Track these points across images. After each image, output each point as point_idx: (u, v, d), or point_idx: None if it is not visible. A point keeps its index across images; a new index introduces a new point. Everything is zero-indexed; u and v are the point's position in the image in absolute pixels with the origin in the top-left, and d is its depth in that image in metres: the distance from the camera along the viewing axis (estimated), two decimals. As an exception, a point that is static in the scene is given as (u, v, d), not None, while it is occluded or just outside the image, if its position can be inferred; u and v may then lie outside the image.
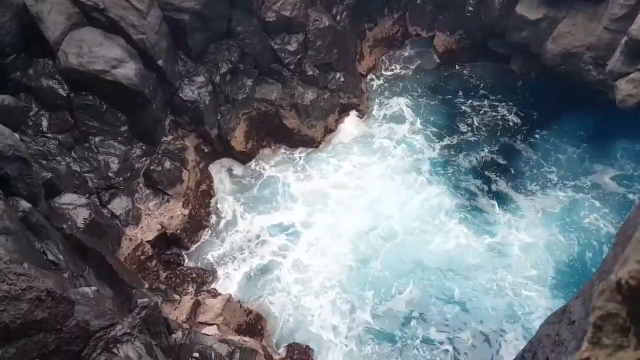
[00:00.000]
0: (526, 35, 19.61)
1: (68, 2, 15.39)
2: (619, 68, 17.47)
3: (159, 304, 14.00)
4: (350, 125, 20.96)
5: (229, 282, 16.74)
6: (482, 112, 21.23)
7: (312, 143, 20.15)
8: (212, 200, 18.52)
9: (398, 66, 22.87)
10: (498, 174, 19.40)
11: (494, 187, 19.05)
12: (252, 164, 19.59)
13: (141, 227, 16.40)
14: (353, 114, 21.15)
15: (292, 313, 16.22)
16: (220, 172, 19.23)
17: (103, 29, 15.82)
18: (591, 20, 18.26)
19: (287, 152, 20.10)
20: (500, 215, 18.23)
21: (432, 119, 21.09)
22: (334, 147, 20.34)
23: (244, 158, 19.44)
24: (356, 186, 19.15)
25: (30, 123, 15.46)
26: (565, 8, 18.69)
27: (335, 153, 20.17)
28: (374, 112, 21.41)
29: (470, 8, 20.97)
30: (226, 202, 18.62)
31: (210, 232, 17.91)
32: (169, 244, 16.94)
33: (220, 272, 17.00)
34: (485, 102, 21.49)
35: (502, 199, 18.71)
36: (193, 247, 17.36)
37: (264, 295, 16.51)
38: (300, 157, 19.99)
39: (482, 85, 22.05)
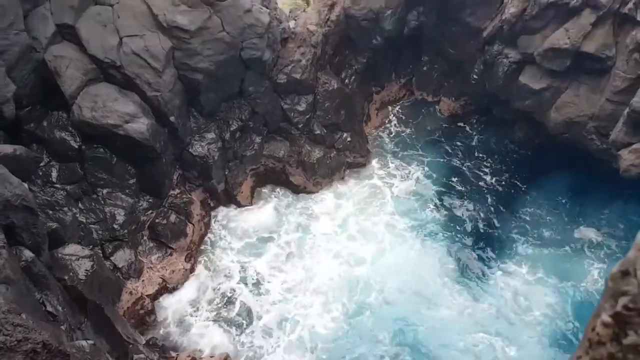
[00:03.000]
0: (530, 103, 20.05)
1: (86, 59, 15.98)
2: (622, 138, 17.72)
3: (155, 361, 13.71)
4: (352, 181, 21.11)
5: (228, 337, 16.36)
6: (484, 175, 21.38)
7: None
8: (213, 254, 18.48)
9: (402, 123, 23.20)
10: (497, 238, 19.29)
11: (492, 251, 18.89)
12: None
13: (142, 280, 16.31)
14: (355, 170, 21.36)
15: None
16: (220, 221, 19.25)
17: (118, 85, 16.33)
18: (594, 92, 18.70)
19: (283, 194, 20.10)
20: (498, 279, 18.02)
21: (433, 178, 21.19)
22: (333, 200, 20.33)
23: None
24: (351, 243, 18.98)
25: (41, 173, 15.72)
26: (568, 79, 19.19)
27: (332, 205, 20.10)
28: (374, 170, 21.56)
29: (475, 76, 21.57)
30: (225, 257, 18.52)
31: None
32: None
33: (216, 330, 16.62)
34: (487, 165, 21.67)
35: (500, 263, 18.53)
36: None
37: (264, 354, 16.13)
38: (293, 203, 19.87)
39: (485, 148, 22.30)
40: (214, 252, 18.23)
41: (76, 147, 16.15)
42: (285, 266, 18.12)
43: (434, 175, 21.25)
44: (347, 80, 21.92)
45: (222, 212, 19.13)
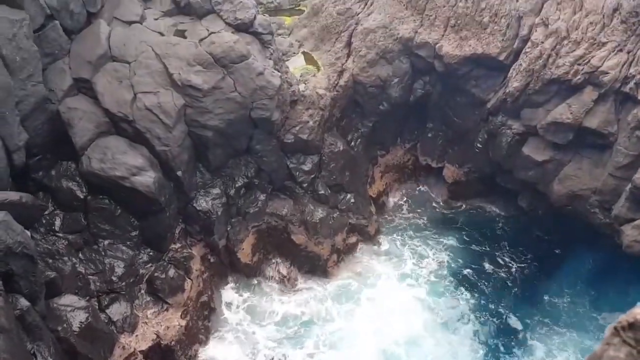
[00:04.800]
0: (533, 174, 20.24)
1: (99, 112, 16.39)
2: (625, 214, 17.77)
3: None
4: (359, 255, 21.02)
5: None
6: (486, 254, 21.33)
7: (318, 260, 20.17)
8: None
9: (408, 203, 23.45)
10: (502, 322, 18.98)
11: (494, 337, 18.53)
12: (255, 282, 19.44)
13: (136, 335, 16.02)
14: (362, 244, 21.36)
15: None
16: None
17: (129, 139, 16.65)
18: (596, 166, 18.91)
19: (294, 280, 19.92)
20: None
21: (436, 259, 21.16)
22: (344, 281, 20.16)
23: (248, 271, 19.41)
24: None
25: (44, 221, 15.80)
26: (571, 152, 19.45)
27: (344, 289, 19.95)
28: (381, 246, 21.61)
29: (479, 145, 21.90)
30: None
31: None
32: (162, 356, 16.40)
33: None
34: (490, 244, 21.68)
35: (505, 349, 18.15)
36: (186, 362, 16.77)
37: None
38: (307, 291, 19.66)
39: (489, 225, 22.36)
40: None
41: (82, 197, 16.30)
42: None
43: (436, 259, 21.21)
44: (353, 143, 22.30)
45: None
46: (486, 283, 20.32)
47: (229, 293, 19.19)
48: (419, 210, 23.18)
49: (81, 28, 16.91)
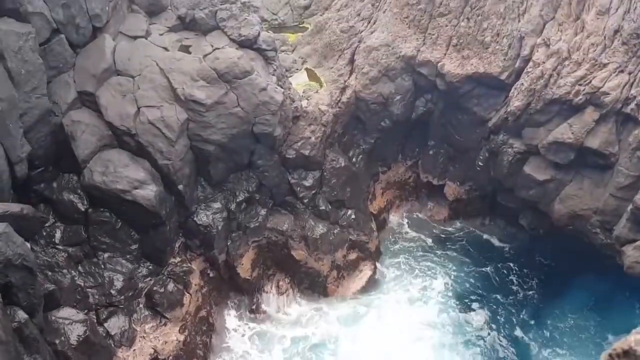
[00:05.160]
0: (534, 193, 20.22)
1: (102, 125, 16.49)
2: (626, 234, 17.72)
3: None
4: (362, 277, 20.95)
5: None
6: (490, 276, 21.25)
7: (318, 277, 20.11)
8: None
9: (410, 223, 23.50)
10: (507, 346, 18.89)
11: None
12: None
13: (134, 349, 15.94)
14: (364, 262, 21.29)
15: None
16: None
17: (131, 152, 16.73)
18: (597, 186, 18.90)
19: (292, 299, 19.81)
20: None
21: (441, 280, 21.13)
22: (347, 302, 20.06)
23: (247, 286, 19.34)
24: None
25: (44, 233, 15.82)
26: (573, 172, 19.45)
27: (349, 310, 19.87)
28: (384, 265, 21.57)
29: (480, 163, 21.93)
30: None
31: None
32: (159, 371, 16.31)
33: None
34: (493, 265, 21.61)
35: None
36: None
37: None
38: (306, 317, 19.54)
39: (491, 247, 22.33)
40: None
41: (83, 209, 16.33)
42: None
43: (439, 281, 21.20)
44: (354, 159, 22.35)
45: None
46: (490, 307, 20.21)
47: (232, 320, 19.12)
48: (420, 231, 23.18)
49: (86, 42, 17.08)
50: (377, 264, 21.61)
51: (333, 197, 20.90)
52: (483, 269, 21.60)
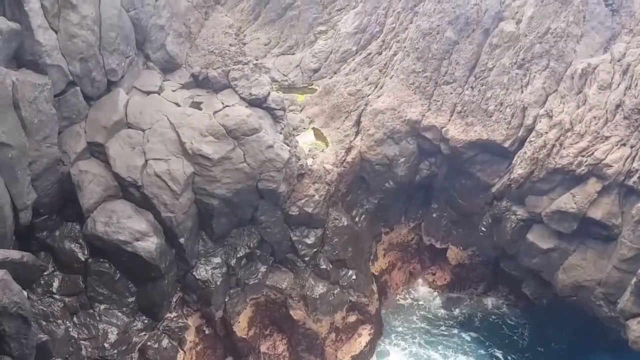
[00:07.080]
0: (537, 262, 20.06)
1: (109, 176, 16.66)
2: (630, 308, 17.44)
3: None
4: (361, 341, 20.60)
5: None
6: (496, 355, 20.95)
7: (315, 339, 19.70)
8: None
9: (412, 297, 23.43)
10: None
11: None
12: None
13: (123, 407, 15.46)
14: (363, 329, 20.99)
15: None
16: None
17: (135, 203, 16.83)
18: (601, 257, 18.76)
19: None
20: None
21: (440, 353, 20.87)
22: None
23: (243, 345, 18.92)
24: None
25: (42, 282, 15.71)
26: (576, 242, 19.36)
27: None
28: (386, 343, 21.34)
29: (483, 228, 21.91)
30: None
31: None
32: None
33: None
34: (500, 345, 21.36)
35: None
36: None
37: None
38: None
39: (492, 319, 22.09)
40: None
41: (83, 259, 16.28)
42: None
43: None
44: (357, 219, 22.38)
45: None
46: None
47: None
48: (423, 297, 22.89)
49: (100, 95, 17.54)
50: (377, 329, 21.17)
51: (334, 256, 20.78)
52: (490, 350, 21.10)
